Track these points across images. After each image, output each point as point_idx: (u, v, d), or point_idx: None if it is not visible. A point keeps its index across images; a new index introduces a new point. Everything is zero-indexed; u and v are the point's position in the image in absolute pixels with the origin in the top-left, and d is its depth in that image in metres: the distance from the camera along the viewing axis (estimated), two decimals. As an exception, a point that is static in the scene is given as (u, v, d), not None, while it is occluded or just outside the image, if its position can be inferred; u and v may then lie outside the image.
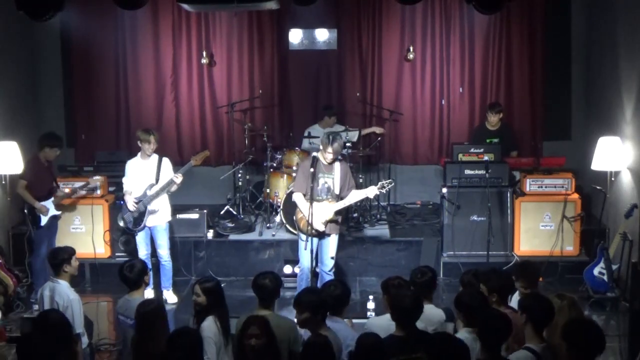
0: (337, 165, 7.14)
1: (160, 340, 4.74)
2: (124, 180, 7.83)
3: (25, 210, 7.82)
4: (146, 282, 5.69)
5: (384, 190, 7.14)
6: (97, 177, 8.30)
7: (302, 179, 7.10)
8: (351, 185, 7.21)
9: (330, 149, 6.98)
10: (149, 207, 7.63)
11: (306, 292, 5.18)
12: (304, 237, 7.11)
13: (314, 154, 7.21)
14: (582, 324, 4.33)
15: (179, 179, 7.56)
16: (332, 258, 7.16)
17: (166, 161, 7.78)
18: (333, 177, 7.09)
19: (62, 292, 5.77)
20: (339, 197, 7.12)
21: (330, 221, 7.07)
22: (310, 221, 6.87)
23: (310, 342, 4.47)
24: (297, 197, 7.15)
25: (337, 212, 7.12)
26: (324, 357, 4.33)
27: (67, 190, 8.08)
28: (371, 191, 7.14)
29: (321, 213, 7.01)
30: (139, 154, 7.77)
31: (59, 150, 7.91)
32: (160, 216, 7.74)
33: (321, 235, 7.12)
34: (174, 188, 7.65)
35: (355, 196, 7.16)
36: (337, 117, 9.74)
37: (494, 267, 5.91)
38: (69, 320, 4.96)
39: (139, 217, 7.66)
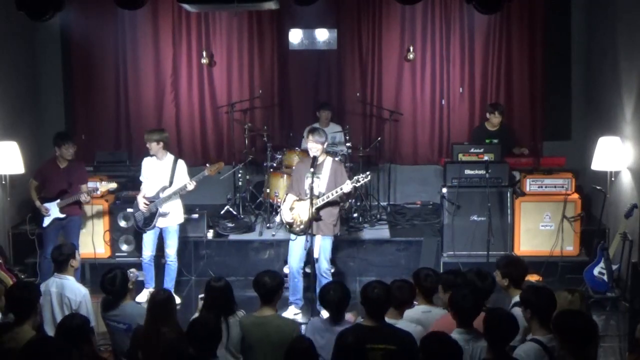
0: (326, 164, 7.11)
1: (169, 330, 4.82)
2: (141, 178, 7.82)
3: (32, 210, 7.83)
4: (130, 289, 5.60)
5: (358, 184, 7.03)
6: (105, 183, 7.87)
7: (294, 181, 7.30)
8: (343, 182, 7.06)
9: (311, 137, 7.04)
10: (161, 209, 7.58)
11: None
12: (293, 236, 7.20)
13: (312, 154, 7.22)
14: (571, 315, 4.39)
15: (191, 185, 7.51)
16: (317, 260, 7.09)
17: (181, 163, 7.73)
18: (320, 177, 7.05)
19: (73, 287, 5.87)
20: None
21: (315, 219, 7.00)
22: (310, 215, 6.91)
23: (293, 347, 4.38)
24: (287, 197, 7.35)
25: (319, 210, 7.01)
26: None
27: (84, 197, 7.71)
28: (346, 186, 6.95)
29: (304, 212, 7.03)
30: None
31: (71, 146, 7.62)
32: (172, 218, 7.69)
33: (311, 235, 7.07)
34: (185, 192, 7.63)
35: (331, 193, 7.06)
36: (337, 118, 9.75)
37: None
38: (88, 320, 4.91)
39: (150, 217, 7.61)
